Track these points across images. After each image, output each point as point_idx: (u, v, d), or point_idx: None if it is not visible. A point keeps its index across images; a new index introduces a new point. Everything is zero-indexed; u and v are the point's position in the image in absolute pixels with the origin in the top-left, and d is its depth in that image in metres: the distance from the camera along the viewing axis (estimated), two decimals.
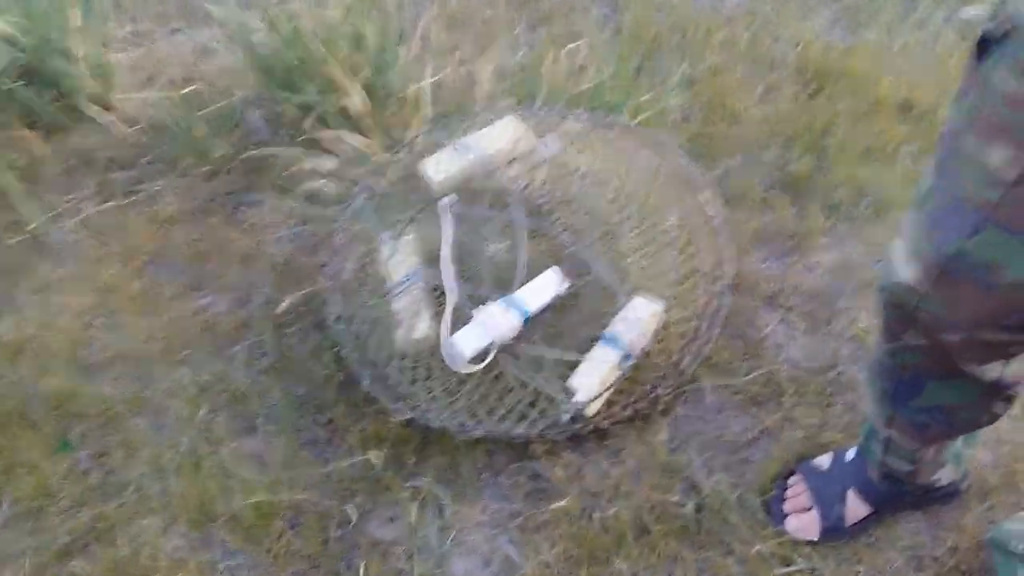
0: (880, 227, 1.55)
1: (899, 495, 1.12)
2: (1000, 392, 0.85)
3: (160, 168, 1.83)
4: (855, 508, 1.13)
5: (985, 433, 1.21)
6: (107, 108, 1.96)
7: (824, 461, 1.19)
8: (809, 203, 1.61)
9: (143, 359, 1.44)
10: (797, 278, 1.49)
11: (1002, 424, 1.21)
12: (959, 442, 1.07)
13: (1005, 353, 0.79)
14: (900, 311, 0.80)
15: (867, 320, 1.40)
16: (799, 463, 1.21)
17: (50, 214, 1.71)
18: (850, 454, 1.16)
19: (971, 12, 0.64)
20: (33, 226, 1.68)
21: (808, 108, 1.84)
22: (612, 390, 1.28)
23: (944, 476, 1.11)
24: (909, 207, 0.78)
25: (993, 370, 0.81)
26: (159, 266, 1.62)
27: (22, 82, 1.87)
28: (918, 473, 1.06)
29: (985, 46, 0.67)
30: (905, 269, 0.76)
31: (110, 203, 1.75)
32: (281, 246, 1.64)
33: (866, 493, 1.12)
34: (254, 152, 1.75)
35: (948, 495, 1.16)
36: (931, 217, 0.74)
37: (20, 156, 1.81)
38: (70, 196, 1.76)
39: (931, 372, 0.85)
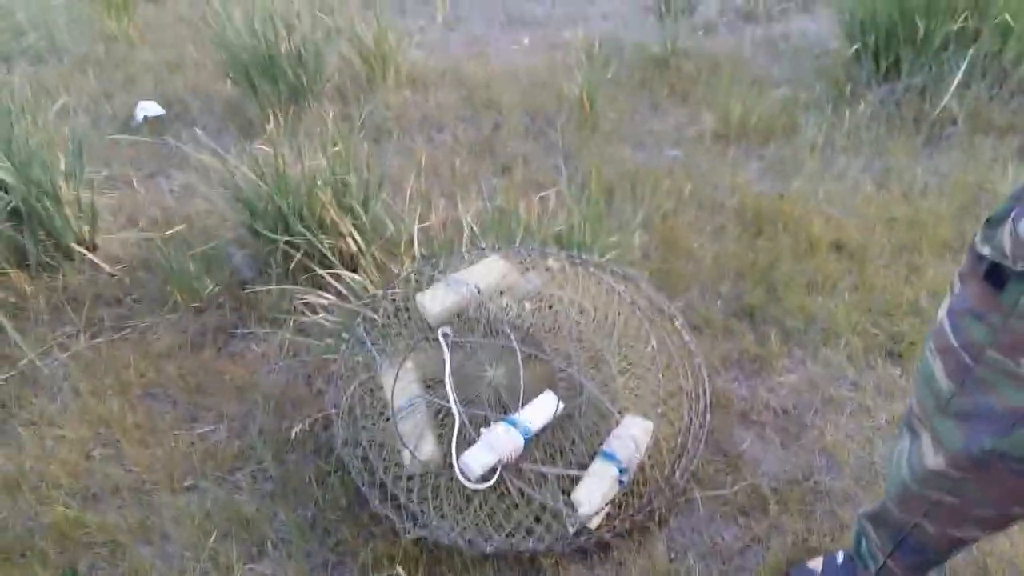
0: (832, 351, 1.72)
1: None
2: None
3: (148, 305, 1.89)
4: None
5: None
6: (92, 248, 2.03)
7: (816, 565, 1.28)
8: (766, 330, 1.79)
9: (146, 488, 1.46)
10: (765, 397, 1.63)
11: None
12: None
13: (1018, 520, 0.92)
14: (925, 497, 0.94)
15: (833, 435, 1.54)
16: (792, 567, 1.30)
17: (40, 349, 1.74)
18: (839, 557, 1.27)
19: (986, 249, 0.75)
20: (24, 361, 1.69)
21: (753, 247, 2.06)
22: (613, 503, 1.36)
23: None
24: (926, 408, 0.89)
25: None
26: (154, 399, 1.65)
27: (11, 224, 1.92)
28: None
29: (1000, 276, 0.76)
30: (935, 460, 0.89)
31: (99, 339, 1.79)
32: (275, 377, 1.70)
33: None
34: (251, 289, 1.83)
35: None
36: (961, 415, 0.84)
37: (9, 294, 1.84)
38: (59, 332, 1.80)
39: (937, 548, 1.02)
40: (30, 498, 1.43)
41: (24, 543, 1.35)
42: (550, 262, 1.68)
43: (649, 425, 1.44)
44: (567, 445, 1.44)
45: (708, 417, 1.50)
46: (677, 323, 1.64)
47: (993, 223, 0.76)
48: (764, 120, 2.60)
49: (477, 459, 1.34)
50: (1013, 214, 0.73)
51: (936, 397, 0.86)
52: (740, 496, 1.45)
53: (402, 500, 1.37)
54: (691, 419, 1.49)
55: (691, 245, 2.06)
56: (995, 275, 0.76)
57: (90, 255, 1.98)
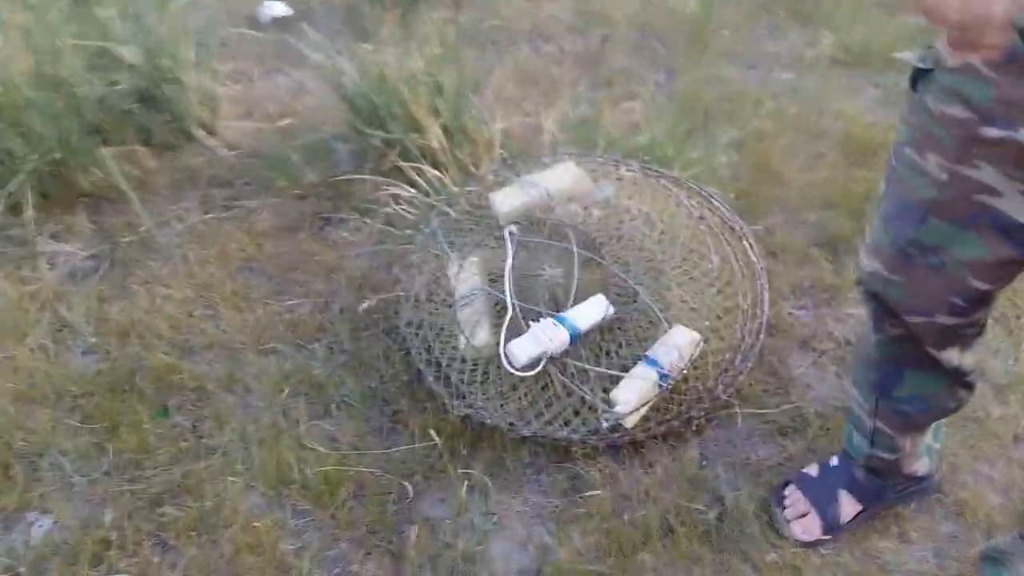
0: None
1: (883, 489, 1.27)
2: (961, 379, 1.07)
3: (256, 189, 2.05)
4: (848, 506, 1.28)
5: (1000, 479, 1.34)
6: (211, 133, 2.20)
7: (812, 469, 1.33)
8: (846, 260, 1.75)
9: (235, 347, 1.62)
10: (830, 327, 1.62)
11: (1016, 472, 1.34)
12: (930, 437, 1.23)
13: (959, 338, 0.99)
14: (874, 298, 1.01)
15: None
16: (792, 473, 1.34)
17: (158, 220, 1.93)
18: (834, 460, 1.31)
19: (906, 55, 0.86)
20: (144, 229, 1.89)
21: (850, 176, 2.00)
22: (649, 406, 1.41)
23: (920, 468, 1.27)
24: (873, 219, 0.98)
25: (953, 357, 1.02)
26: (251, 271, 1.82)
27: (139, 105, 2.11)
28: (900, 463, 1.22)
29: (916, 79, 0.86)
30: (869, 262, 0.98)
31: (210, 215, 1.96)
32: (360, 262, 1.83)
33: (855, 491, 1.27)
34: (342, 178, 1.95)
35: (926, 488, 1.31)
36: (885, 216, 0.95)
37: (134, 169, 2.04)
38: (176, 206, 1.98)
39: (908, 361, 1.05)
40: (136, 344, 1.62)
41: (128, 381, 1.55)
42: (623, 171, 1.70)
43: (697, 337, 1.47)
44: (614, 348, 1.49)
45: (761, 337, 1.51)
46: (746, 243, 1.64)
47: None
48: (888, 47, 2.47)
49: (523, 348, 1.42)
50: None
51: (878, 201, 0.97)
52: (783, 417, 1.47)
53: (454, 380, 1.48)
54: (743, 336, 1.51)
55: (783, 170, 2.02)
56: (915, 80, 0.87)
57: (209, 139, 2.15)
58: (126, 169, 1.99)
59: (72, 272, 1.82)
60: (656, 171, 1.74)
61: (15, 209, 1.89)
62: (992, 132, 0.80)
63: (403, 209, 1.79)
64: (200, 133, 2.14)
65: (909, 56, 0.87)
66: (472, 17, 2.79)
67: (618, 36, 2.66)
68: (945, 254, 0.89)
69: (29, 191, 1.88)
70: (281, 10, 2.86)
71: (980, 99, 0.79)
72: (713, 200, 1.71)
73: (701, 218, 1.63)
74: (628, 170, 1.72)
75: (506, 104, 2.11)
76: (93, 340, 1.65)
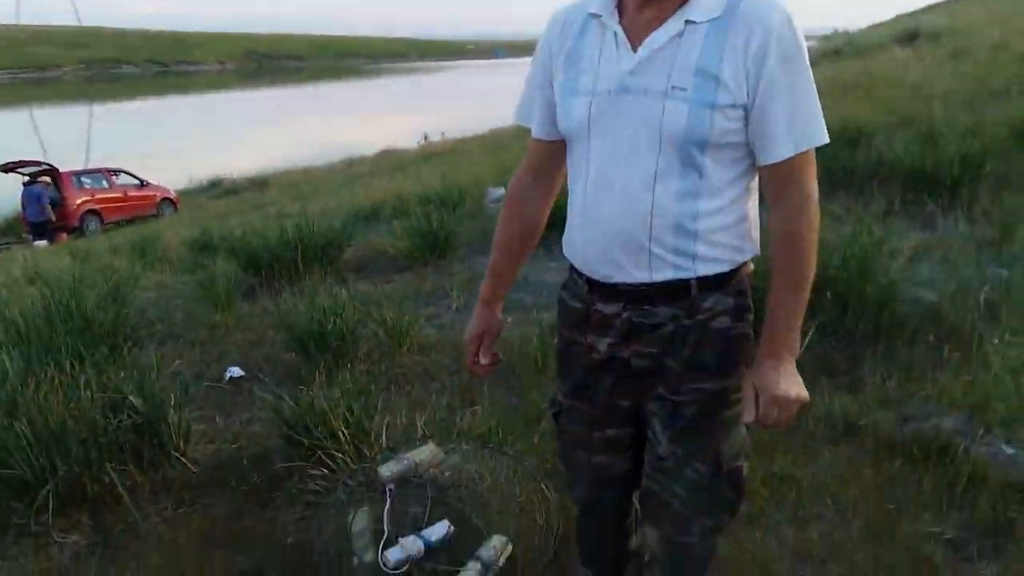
0: None
1: None
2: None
3: (216, 488, 2.87)
4: None
5: None
6: (184, 455, 3.05)
7: None
8: None
9: None
10: None
11: None
12: None
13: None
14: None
15: None
16: None
17: (143, 515, 2.70)
18: None
19: (547, 406, 1.67)
20: (132, 521, 2.65)
21: None
22: None
23: None
24: None
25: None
26: (212, 544, 2.57)
27: (135, 435, 2.97)
28: None
29: (555, 416, 1.79)
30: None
31: (181, 510, 2.75)
32: (289, 531, 2.60)
33: None
34: (278, 468, 2.80)
35: None
36: (570, 477, 1.82)
37: (126, 480, 2.84)
38: (156, 506, 2.77)
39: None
40: None
41: None
42: (463, 447, 2.61)
43: (507, 540, 2.28)
44: (456, 553, 2.28)
45: (557, 541, 2.32)
46: (540, 483, 2.50)
47: None
48: None
49: (394, 553, 2.20)
50: None
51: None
52: None
53: None
54: (537, 540, 2.31)
55: None
56: (555, 416, 1.82)
57: (183, 459, 2.99)
58: (121, 479, 2.80)
59: (75, 555, 2.55)
60: (490, 447, 2.65)
61: (37, 510, 2.65)
62: (598, 435, 1.73)
63: (318, 484, 2.62)
64: (176, 455, 2.99)
65: (547, 407, 1.83)
66: (380, 366, 3.84)
67: None
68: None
69: (51, 498, 2.66)
70: (238, 372, 3.88)
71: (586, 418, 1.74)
72: (524, 462, 2.61)
73: (514, 472, 2.51)
74: (465, 446, 2.63)
75: (395, 415, 3.05)
76: None
